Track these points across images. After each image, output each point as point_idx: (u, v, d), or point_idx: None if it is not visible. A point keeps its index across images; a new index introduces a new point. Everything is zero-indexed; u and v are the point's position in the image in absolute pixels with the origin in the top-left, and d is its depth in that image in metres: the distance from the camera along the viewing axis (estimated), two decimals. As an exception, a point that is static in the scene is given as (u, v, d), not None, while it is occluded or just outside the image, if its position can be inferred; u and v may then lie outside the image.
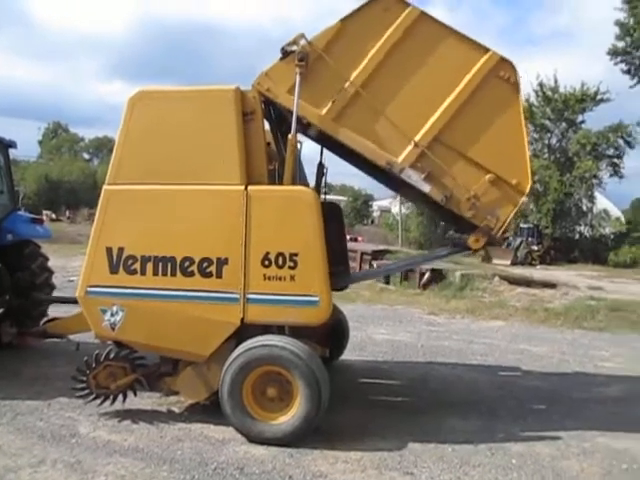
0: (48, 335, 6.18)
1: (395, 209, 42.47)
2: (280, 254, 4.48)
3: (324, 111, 4.70)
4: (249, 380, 4.46)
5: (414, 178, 4.63)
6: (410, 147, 4.65)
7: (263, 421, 4.45)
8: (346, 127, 4.70)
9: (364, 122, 4.69)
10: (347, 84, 4.67)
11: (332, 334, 6.60)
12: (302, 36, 4.65)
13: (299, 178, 5.99)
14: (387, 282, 15.72)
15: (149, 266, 4.67)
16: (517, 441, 4.64)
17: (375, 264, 16.93)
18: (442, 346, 8.37)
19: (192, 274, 4.61)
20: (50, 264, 7.45)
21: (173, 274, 4.64)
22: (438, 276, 14.65)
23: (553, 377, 6.86)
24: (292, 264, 4.46)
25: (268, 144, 5.17)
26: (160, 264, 4.65)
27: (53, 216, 40.39)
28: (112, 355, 4.88)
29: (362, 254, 17.88)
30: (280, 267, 4.48)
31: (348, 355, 7.26)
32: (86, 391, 4.92)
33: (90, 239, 4.82)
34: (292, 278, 4.46)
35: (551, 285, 14.30)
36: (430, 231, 36.69)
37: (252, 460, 4.15)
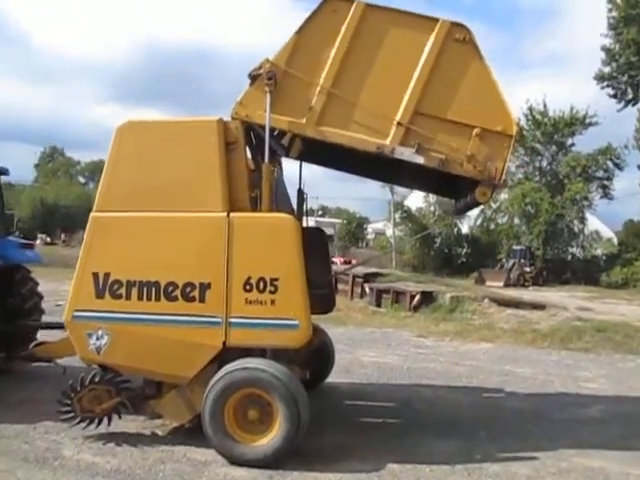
0: (36, 359, 6.27)
1: (389, 231, 42.84)
2: (261, 279, 4.62)
3: (304, 120, 4.90)
4: (230, 402, 4.55)
5: (406, 154, 4.82)
6: (394, 127, 4.86)
7: (244, 443, 4.53)
8: (329, 126, 4.91)
9: (345, 117, 4.91)
10: (318, 89, 4.89)
11: (316, 356, 6.70)
12: (266, 59, 4.87)
13: (282, 203, 6.18)
14: (378, 305, 15.85)
15: (134, 291, 4.79)
16: (494, 461, 4.72)
17: (367, 287, 17.07)
18: (428, 368, 8.47)
19: (176, 299, 4.74)
20: (41, 288, 7.54)
21: (157, 299, 4.76)
22: (428, 298, 14.78)
23: (536, 398, 6.96)
24: (273, 289, 4.60)
25: (253, 171, 5.36)
26: (145, 289, 4.78)
27: (48, 240, 40.48)
28: (97, 379, 4.97)
29: (354, 277, 18.00)
30: (261, 291, 4.61)
31: (334, 378, 7.34)
32: (71, 414, 4.99)
33: (77, 264, 4.95)
34: (272, 302, 4.59)
35: (540, 306, 14.43)
36: (423, 253, 36.96)
37: (231, 481, 4.23)
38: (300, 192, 6.60)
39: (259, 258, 4.67)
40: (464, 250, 37.60)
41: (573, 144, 34.76)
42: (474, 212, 37.02)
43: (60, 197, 54.22)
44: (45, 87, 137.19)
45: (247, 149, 5.16)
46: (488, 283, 26.93)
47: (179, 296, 4.73)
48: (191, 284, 4.72)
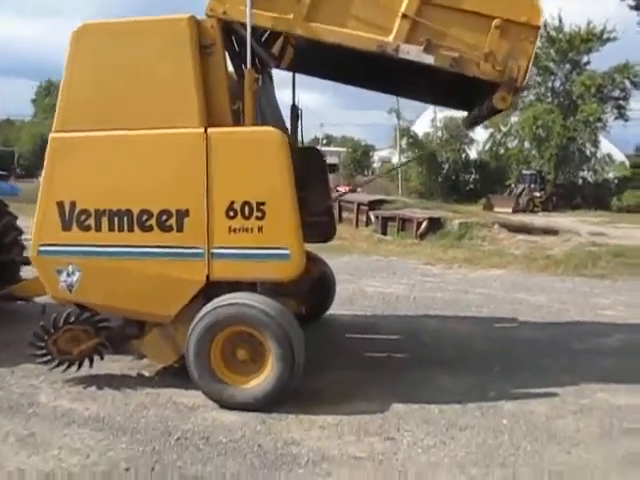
0: (14, 298, 5.82)
1: (395, 159, 41.73)
2: (246, 203, 4.04)
3: (292, 15, 4.18)
4: (217, 342, 4.09)
5: (413, 53, 4.11)
6: (398, 20, 4.14)
7: (233, 385, 4.11)
8: (322, 23, 4.20)
9: (339, 11, 4.20)
10: None
11: (316, 288, 6.25)
12: None
13: (274, 120, 5.50)
14: (384, 233, 15.36)
15: (104, 221, 4.24)
16: (510, 399, 4.30)
17: (372, 215, 16.52)
18: (435, 298, 8.02)
19: (150, 228, 4.18)
20: (25, 224, 7.01)
21: (130, 229, 4.21)
22: (436, 225, 14.23)
23: (552, 327, 6.51)
24: (259, 214, 4.02)
25: (236, 81, 4.65)
26: (116, 218, 4.22)
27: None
28: (72, 318, 4.52)
29: (359, 205, 17.44)
30: (246, 218, 4.04)
31: (336, 309, 6.92)
32: (47, 357, 4.58)
33: (39, 193, 4.37)
34: (260, 230, 4.03)
35: (552, 232, 13.88)
36: (430, 180, 36.07)
37: (220, 428, 3.82)
38: (294, 108, 5.91)
39: (243, 179, 4.06)
40: (472, 176, 36.73)
41: (588, 62, 32.98)
42: (483, 136, 35.83)
43: (59, 132, 52.76)
44: (39, 19, 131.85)
45: (227, 54, 4.44)
46: (496, 209, 26.30)
47: (154, 225, 4.17)
48: (167, 212, 4.15)
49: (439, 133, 36.82)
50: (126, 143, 4.21)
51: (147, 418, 3.99)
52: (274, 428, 3.82)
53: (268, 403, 4.03)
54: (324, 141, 69.90)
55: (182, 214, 4.13)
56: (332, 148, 65.16)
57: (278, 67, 5.56)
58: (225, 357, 4.16)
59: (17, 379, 4.73)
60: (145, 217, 4.18)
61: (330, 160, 57.87)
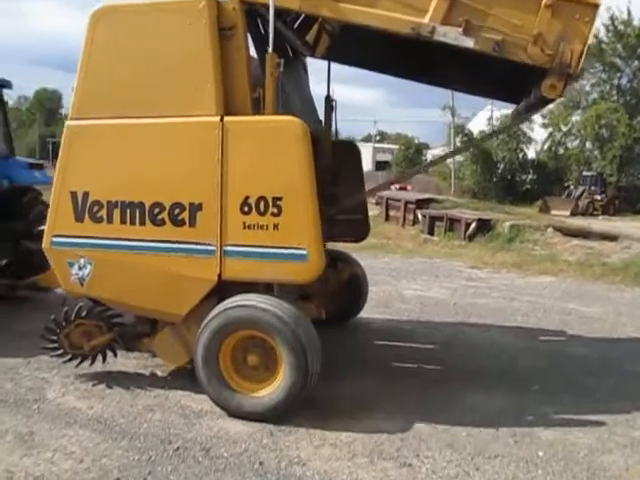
0: (37, 288, 5.78)
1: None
2: (262, 198, 3.74)
3: None
4: (226, 346, 3.83)
5: (451, 35, 3.69)
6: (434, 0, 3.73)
7: (242, 393, 3.83)
8: (350, 3, 3.85)
9: None
10: None
11: (346, 290, 5.92)
12: None
13: (305, 112, 5.20)
14: (431, 233, 14.81)
15: (116, 213, 4.04)
16: (549, 426, 3.83)
17: (419, 214, 15.99)
18: (478, 304, 7.51)
19: (162, 222, 3.95)
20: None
21: (142, 222, 3.99)
22: (485, 227, 13.58)
23: (604, 344, 5.92)
24: (276, 210, 3.72)
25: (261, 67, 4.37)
26: (128, 211, 4.01)
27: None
28: (84, 313, 4.36)
29: (406, 203, 16.93)
30: (262, 214, 3.74)
31: (370, 313, 6.56)
32: (60, 351, 4.45)
33: (54, 182, 4.23)
34: (276, 227, 3.73)
35: (611, 237, 12.94)
36: (485, 179, 34.88)
37: (223, 439, 3.55)
38: (328, 99, 5.58)
39: (259, 173, 3.76)
40: (529, 177, 35.25)
41: (659, 59, 31.01)
42: (542, 135, 34.34)
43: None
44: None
45: (250, 38, 4.16)
46: (553, 212, 25.04)
47: (166, 219, 3.94)
48: (180, 205, 3.90)
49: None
50: (139, 132, 4.00)
51: (150, 422, 3.77)
52: (281, 443, 3.52)
53: (278, 414, 3.74)
54: (377, 138, 69.17)
55: (195, 208, 3.87)
56: (385, 145, 64.38)
57: (312, 55, 5.25)
58: (235, 362, 3.88)
59: (30, 371, 4.64)
60: (157, 210, 3.95)
61: (382, 157, 57.44)
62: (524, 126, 34.05)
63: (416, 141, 54.32)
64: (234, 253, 3.81)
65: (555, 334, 6.19)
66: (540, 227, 13.26)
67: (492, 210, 16.37)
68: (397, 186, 32.87)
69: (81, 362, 4.51)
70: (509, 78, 4.49)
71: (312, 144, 5.41)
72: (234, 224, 3.79)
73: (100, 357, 4.54)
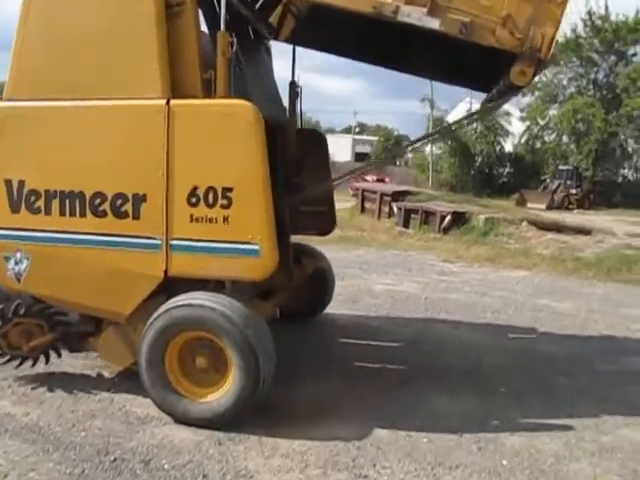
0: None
1: (428, 149, 40.61)
2: (210, 189, 3.45)
3: None
4: (173, 347, 3.55)
5: (415, 16, 3.43)
6: None
7: (190, 397, 3.56)
8: None
9: None
10: None
11: (310, 285, 5.67)
12: None
13: (268, 98, 4.94)
14: (406, 226, 14.65)
15: (55, 204, 3.72)
16: (515, 431, 3.64)
17: (395, 206, 15.82)
18: (449, 299, 7.34)
19: (104, 214, 3.64)
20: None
21: (83, 214, 3.68)
22: (460, 219, 13.45)
23: (574, 341, 5.78)
24: (225, 202, 3.44)
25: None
26: (67, 201, 3.70)
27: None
28: (22, 310, 4.04)
29: (382, 195, 16.74)
30: (210, 206, 3.46)
31: (336, 308, 6.34)
32: (-3, 352, 4.13)
33: (-12, 169, 3.88)
34: (226, 220, 3.45)
35: (585, 231, 12.94)
36: (462, 172, 34.92)
37: (167, 449, 3.28)
38: (293, 85, 5.31)
39: (208, 161, 3.48)
40: (506, 170, 35.41)
41: (635, 54, 31.19)
42: (519, 129, 34.45)
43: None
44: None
45: (202, 16, 3.86)
46: (530, 205, 25.14)
47: (108, 211, 3.63)
48: (122, 195, 3.60)
49: (474, 125, 35.54)
50: (79, 115, 3.67)
51: (89, 431, 3.48)
52: (229, 453, 3.26)
53: (227, 421, 3.48)
54: (357, 130, 68.83)
55: (139, 199, 3.57)
56: (364, 137, 64.12)
57: (276, 38, 4.99)
58: (183, 365, 3.61)
59: (-34, 374, 4.30)
60: (98, 201, 3.64)
61: (362, 149, 57.26)
62: (502, 119, 34.23)
63: (395, 133, 54.27)
64: (181, 248, 3.53)
65: (525, 331, 6.03)
66: (515, 221, 13.19)
67: (468, 203, 16.25)
68: (374, 178, 32.81)
69: (21, 364, 4.20)
70: (481, 65, 4.27)
71: (275, 132, 5.17)
72: (181, 217, 3.51)
73: (43, 358, 4.24)
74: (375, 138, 54.26)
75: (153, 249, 3.57)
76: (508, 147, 35.62)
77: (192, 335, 3.53)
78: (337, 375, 4.47)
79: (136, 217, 3.59)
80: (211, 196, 3.45)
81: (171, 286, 3.69)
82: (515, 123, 34.06)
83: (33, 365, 4.24)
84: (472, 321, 6.34)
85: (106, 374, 4.33)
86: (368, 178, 32.90)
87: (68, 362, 4.45)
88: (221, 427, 3.47)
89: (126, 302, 3.72)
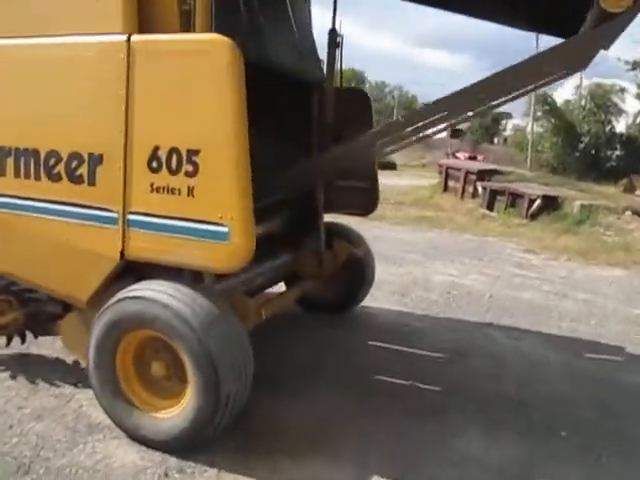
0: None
1: (529, 127, 37.66)
2: (174, 151, 2.68)
3: None
4: (125, 346, 2.86)
5: None
6: None
7: (143, 411, 2.87)
8: None
9: None
10: None
11: (342, 275, 4.83)
12: None
13: (291, 44, 4.08)
14: (490, 208, 13.29)
15: (9, 163, 3.12)
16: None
17: (480, 186, 14.43)
18: (520, 299, 6.19)
19: (59, 178, 2.99)
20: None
21: (37, 176, 3.06)
22: (551, 205, 11.90)
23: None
24: (191, 168, 2.65)
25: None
26: (22, 160, 3.08)
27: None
28: (-12, 285, 3.54)
29: (467, 173, 15.35)
30: (173, 172, 2.69)
31: (380, 301, 5.49)
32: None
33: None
34: (190, 192, 2.67)
35: None
36: (565, 153, 31.96)
37: (99, 474, 2.62)
38: (333, 33, 4.40)
39: (171, 114, 2.70)
40: (616, 153, 31.98)
41: None
42: (634, 108, 30.86)
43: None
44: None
45: None
46: (639, 192, 22.43)
47: (62, 174, 2.98)
48: (78, 156, 2.92)
49: (582, 102, 32.33)
50: (28, 56, 3.02)
51: (24, 437, 2.90)
52: (172, 491, 2.55)
53: (182, 446, 2.76)
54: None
55: (95, 160, 2.87)
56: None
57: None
58: (139, 369, 2.92)
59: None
60: (53, 161, 2.99)
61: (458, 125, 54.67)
62: (615, 97, 30.83)
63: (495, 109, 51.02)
64: (139, 224, 2.81)
65: (610, 351, 4.81)
66: (617, 209, 11.43)
67: (565, 186, 14.48)
68: (466, 155, 30.87)
69: (-6, 342, 3.74)
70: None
71: (304, 89, 4.29)
72: (140, 185, 2.77)
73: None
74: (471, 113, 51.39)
75: (108, 223, 2.87)
76: (620, 127, 32.09)
77: (146, 334, 2.82)
78: (347, 391, 3.62)
79: (91, 183, 2.90)
80: (175, 160, 2.68)
81: (139, 269, 2.99)
82: (630, 101, 30.51)
83: (7, 344, 3.77)
84: (541, 331, 5.20)
85: (83, 362, 3.76)
86: (459, 155, 31.07)
87: (51, 342, 3.94)
88: (174, 452, 2.76)
89: (82, 286, 3.08)
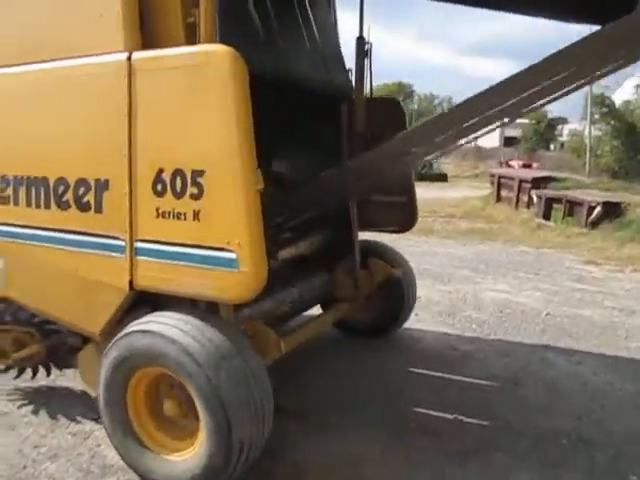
0: None
1: (586, 131, 36.09)
2: (178, 172, 2.49)
3: None
4: (136, 383, 2.67)
5: None
6: None
7: (155, 453, 2.66)
8: None
9: None
10: None
11: (380, 297, 4.55)
12: None
13: (307, 53, 3.87)
14: (546, 217, 12.62)
15: (21, 192, 3.03)
16: None
17: (534, 194, 13.76)
18: (580, 318, 5.67)
19: (67, 205, 2.86)
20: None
21: (47, 205, 2.94)
22: (613, 212, 11.14)
23: None
24: (195, 190, 2.45)
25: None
26: (33, 189, 2.98)
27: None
28: (7, 316, 3.46)
29: (520, 181, 14.72)
30: (178, 196, 2.50)
31: (426, 322, 5.16)
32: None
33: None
34: (196, 216, 2.47)
35: None
36: (628, 157, 30.32)
37: (103, 528, 2.43)
38: (361, 41, 4.17)
39: (174, 133, 2.51)
40: (684, 154, 30.12)
41: None
42: None
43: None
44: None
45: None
46: None
47: (71, 201, 2.85)
48: (84, 182, 2.79)
49: (645, 101, 30.69)
50: (33, 83, 2.93)
51: (34, 479, 2.75)
52: None
53: (195, 494, 2.53)
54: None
55: (101, 186, 2.73)
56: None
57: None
58: (151, 408, 2.73)
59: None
60: (62, 189, 2.87)
61: (511, 133, 53.09)
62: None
63: (549, 115, 49.42)
64: (146, 252, 2.63)
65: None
66: (688, 215, 10.57)
67: (627, 191, 13.61)
68: (520, 163, 29.78)
69: (19, 374, 3.65)
70: None
71: (335, 101, 4.07)
72: (146, 210, 2.60)
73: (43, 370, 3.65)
74: (526, 121, 49.91)
75: (116, 252, 2.71)
76: (689, 126, 30.22)
77: (157, 371, 2.61)
78: (382, 426, 3.29)
79: (98, 210, 2.75)
80: (179, 182, 2.48)
81: (156, 297, 2.81)
82: (699, 97, 28.72)
83: (32, 377, 3.68)
84: (606, 353, 4.70)
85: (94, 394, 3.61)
86: (513, 163, 30.06)
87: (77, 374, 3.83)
88: (187, 500, 2.53)
89: (94, 318, 2.92)
